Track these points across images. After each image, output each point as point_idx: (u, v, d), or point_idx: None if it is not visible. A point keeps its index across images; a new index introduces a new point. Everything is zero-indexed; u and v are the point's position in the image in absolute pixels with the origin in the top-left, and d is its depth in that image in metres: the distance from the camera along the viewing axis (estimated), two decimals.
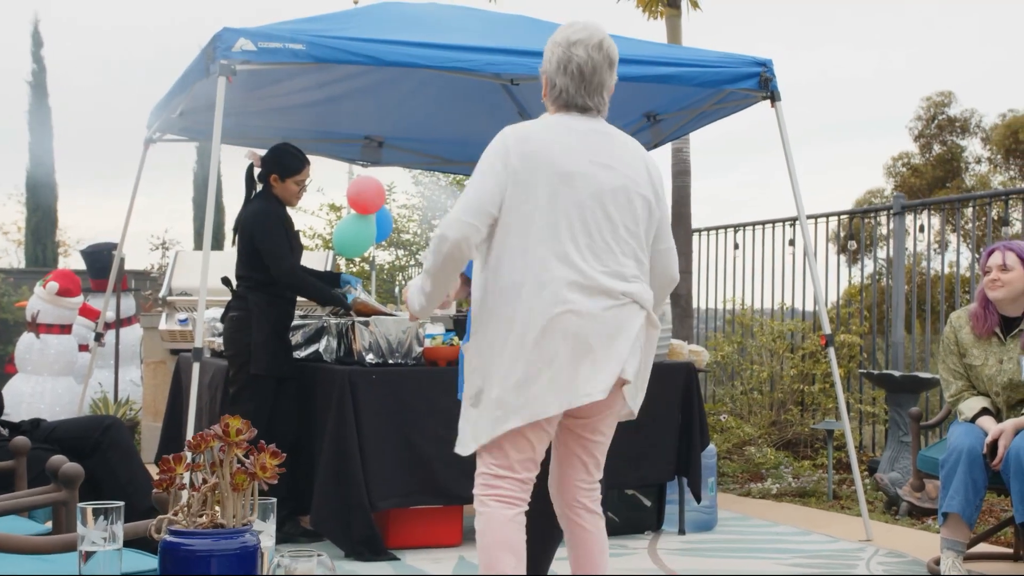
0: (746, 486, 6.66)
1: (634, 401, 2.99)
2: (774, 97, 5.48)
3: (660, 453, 5.15)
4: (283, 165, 5.05)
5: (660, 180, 3.06)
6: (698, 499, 5.23)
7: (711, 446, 5.46)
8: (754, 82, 5.48)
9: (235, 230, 5.13)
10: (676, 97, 6.29)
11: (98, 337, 7.17)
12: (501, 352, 2.84)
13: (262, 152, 5.16)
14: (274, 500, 2.01)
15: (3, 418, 3.87)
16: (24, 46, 14.74)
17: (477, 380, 2.91)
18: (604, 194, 2.89)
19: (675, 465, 5.21)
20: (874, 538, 5.17)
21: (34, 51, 14.52)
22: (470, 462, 3.03)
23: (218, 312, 5.64)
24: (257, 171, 5.13)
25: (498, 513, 2.88)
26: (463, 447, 2.96)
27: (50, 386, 7.87)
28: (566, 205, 2.85)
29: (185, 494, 1.85)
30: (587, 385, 2.81)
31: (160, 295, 7.83)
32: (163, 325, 7.43)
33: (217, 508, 1.85)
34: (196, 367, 4.75)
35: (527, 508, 2.94)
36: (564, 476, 3.07)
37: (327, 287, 5.14)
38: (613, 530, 4.69)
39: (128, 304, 8.61)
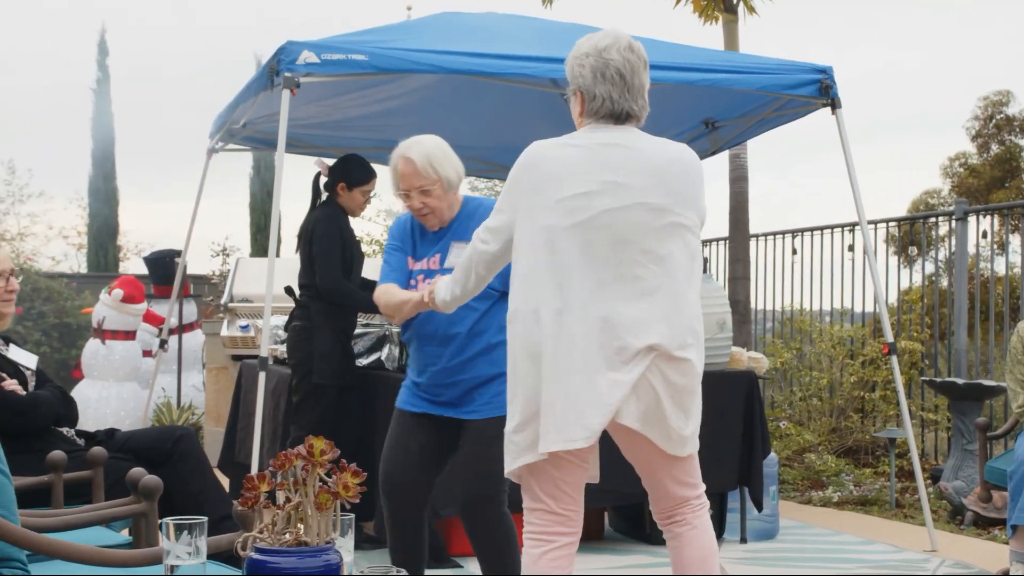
0: (807, 494, 6.61)
1: (674, 444, 2.84)
2: (835, 104, 5.45)
3: (722, 462, 5.12)
4: (352, 175, 5.10)
5: (690, 187, 2.82)
6: (759, 509, 5.20)
7: (772, 454, 5.43)
8: (814, 89, 5.46)
9: (299, 237, 5.18)
10: (735, 104, 6.27)
11: (162, 343, 7.30)
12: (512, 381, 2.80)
13: (330, 162, 5.23)
14: (352, 516, 2.04)
15: (78, 427, 3.96)
16: (90, 54, 14.97)
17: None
18: (604, 216, 2.71)
19: (737, 474, 5.19)
20: (939, 548, 5.12)
21: (99, 59, 14.73)
22: None
23: (281, 320, 5.71)
24: (323, 180, 5.19)
25: (528, 552, 2.79)
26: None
27: (115, 391, 8.05)
28: (562, 233, 2.71)
29: (269, 513, 1.89)
30: (572, 429, 2.66)
31: (222, 302, 7.95)
32: (225, 331, 7.53)
33: (300, 526, 1.89)
34: (262, 376, 4.82)
35: (567, 540, 2.79)
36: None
37: (368, 295, 5.17)
38: None
39: (190, 310, 8.77)
